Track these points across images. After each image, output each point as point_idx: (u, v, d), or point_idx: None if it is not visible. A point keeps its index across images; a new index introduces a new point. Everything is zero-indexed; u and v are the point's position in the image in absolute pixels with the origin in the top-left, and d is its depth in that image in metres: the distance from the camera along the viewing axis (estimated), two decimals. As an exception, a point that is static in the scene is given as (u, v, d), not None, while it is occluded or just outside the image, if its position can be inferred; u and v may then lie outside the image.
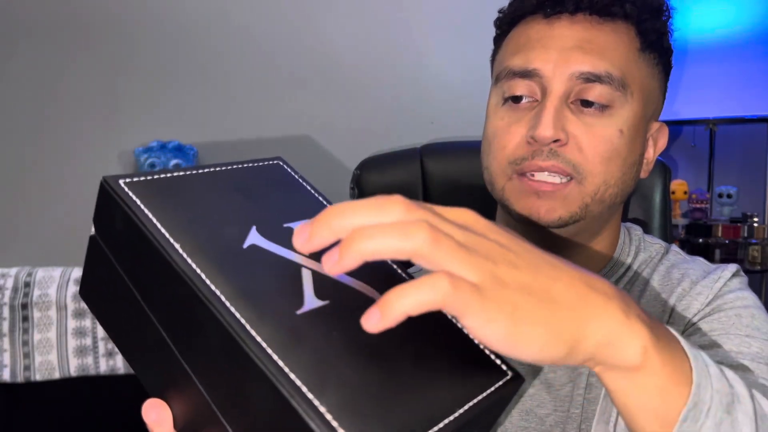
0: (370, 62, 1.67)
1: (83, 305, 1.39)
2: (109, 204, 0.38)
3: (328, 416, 0.29)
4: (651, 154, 0.66)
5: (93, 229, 0.41)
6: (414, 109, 1.66)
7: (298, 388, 0.30)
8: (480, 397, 0.34)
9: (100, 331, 1.42)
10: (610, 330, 0.34)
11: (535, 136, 0.58)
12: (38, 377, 1.40)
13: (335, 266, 0.30)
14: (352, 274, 0.37)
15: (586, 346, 0.33)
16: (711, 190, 2.16)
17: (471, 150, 0.96)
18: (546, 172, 0.59)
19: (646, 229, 0.74)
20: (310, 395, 0.30)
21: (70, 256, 1.39)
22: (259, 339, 0.32)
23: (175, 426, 0.38)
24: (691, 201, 2.12)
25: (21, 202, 1.60)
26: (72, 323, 1.41)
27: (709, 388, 0.37)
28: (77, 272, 1.43)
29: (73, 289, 1.41)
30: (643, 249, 0.69)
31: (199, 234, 0.36)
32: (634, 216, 0.91)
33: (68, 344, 1.41)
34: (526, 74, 0.60)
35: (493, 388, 0.35)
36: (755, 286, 2.03)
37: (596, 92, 0.58)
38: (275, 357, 0.31)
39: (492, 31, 0.69)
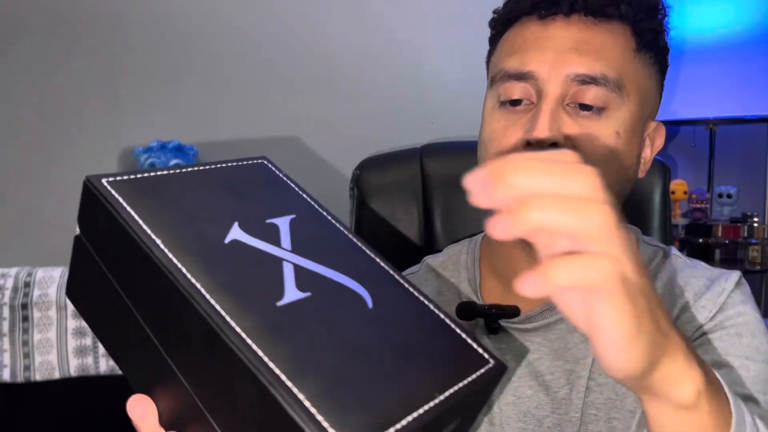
0: (370, 62, 1.67)
1: (83, 305, 1.39)
2: (92, 203, 0.38)
3: (307, 404, 0.30)
4: (648, 153, 0.66)
5: (78, 229, 0.41)
6: (414, 109, 1.66)
7: (278, 377, 0.31)
8: (461, 384, 0.34)
9: (100, 331, 1.42)
10: (676, 367, 0.36)
11: (531, 138, 0.57)
12: (38, 377, 1.40)
13: (503, 232, 0.30)
14: (334, 266, 0.38)
15: (654, 374, 0.35)
16: (711, 190, 2.16)
17: (471, 150, 0.96)
18: None
19: (645, 232, 0.74)
20: (289, 383, 0.31)
21: (69, 256, 1.39)
22: (239, 330, 0.32)
23: (161, 421, 0.38)
24: (691, 201, 2.12)
25: (21, 202, 1.60)
26: (72, 323, 1.41)
27: None
28: (77, 272, 1.43)
29: (73, 289, 1.41)
30: (641, 252, 0.68)
31: (181, 230, 0.37)
32: (634, 217, 0.91)
33: (68, 344, 1.41)
34: (522, 76, 0.60)
35: (475, 375, 0.35)
36: (755, 286, 2.03)
37: (592, 94, 0.58)
38: (255, 347, 0.32)
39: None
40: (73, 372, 1.41)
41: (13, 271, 1.42)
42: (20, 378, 1.39)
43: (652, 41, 0.62)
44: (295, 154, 1.68)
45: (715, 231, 2.02)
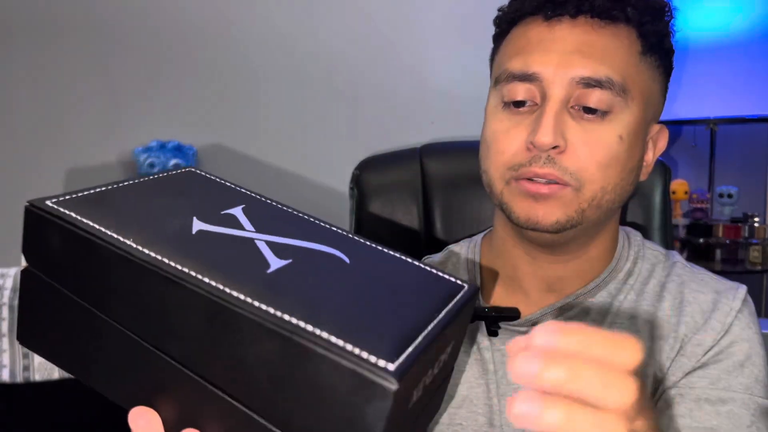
0: (370, 62, 1.66)
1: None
2: (42, 227, 0.37)
3: (334, 339, 0.31)
4: (650, 156, 0.65)
5: (23, 262, 0.40)
6: (414, 109, 1.66)
7: (296, 325, 0.31)
8: (450, 306, 0.37)
9: (100, 332, 1.42)
10: None
11: (534, 142, 0.57)
12: (38, 377, 1.39)
13: (530, 421, 0.32)
14: (301, 238, 0.40)
15: None
16: (711, 190, 2.15)
17: (471, 150, 0.96)
18: (543, 179, 0.58)
19: (645, 233, 0.74)
20: (310, 327, 0.31)
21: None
22: (242, 296, 0.33)
23: (167, 427, 0.37)
24: (692, 201, 2.11)
25: (21, 202, 1.60)
26: (71, 323, 1.41)
27: None
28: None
29: (72, 289, 1.40)
30: (642, 256, 0.68)
31: (146, 229, 0.37)
32: (635, 217, 0.91)
33: (68, 344, 1.40)
34: (526, 78, 0.59)
35: (457, 298, 0.38)
36: (756, 287, 2.03)
37: (596, 97, 0.58)
38: (263, 306, 0.32)
39: (492, 31, 0.68)
40: (73, 372, 1.40)
41: (12, 271, 1.42)
42: (20, 378, 1.39)
43: (657, 44, 0.62)
44: (294, 154, 1.68)
45: (715, 231, 2.02)
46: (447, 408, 0.65)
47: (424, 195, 0.96)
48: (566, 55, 0.58)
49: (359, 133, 1.66)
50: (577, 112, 0.59)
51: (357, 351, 0.30)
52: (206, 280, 0.33)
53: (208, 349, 0.34)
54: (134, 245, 0.35)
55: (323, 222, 0.44)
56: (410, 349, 0.32)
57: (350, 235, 0.42)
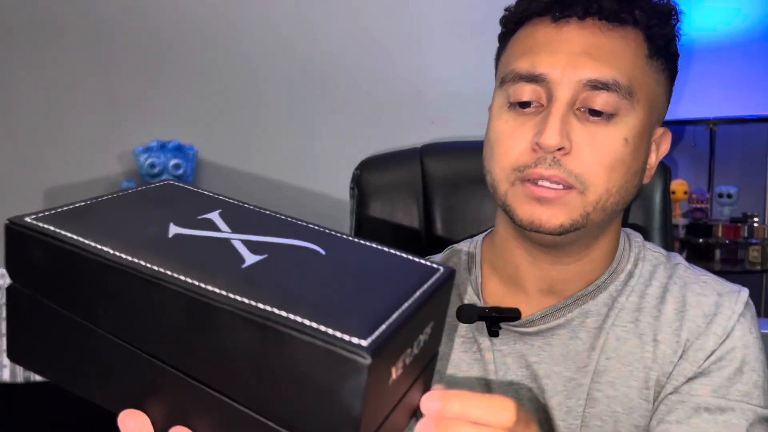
0: (371, 62, 1.67)
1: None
2: (23, 242, 0.38)
3: (308, 322, 0.31)
4: (653, 159, 0.65)
5: (7, 279, 0.41)
6: (414, 109, 1.66)
7: (271, 312, 0.32)
8: (425, 287, 0.38)
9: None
10: None
11: (540, 143, 0.57)
12: (38, 377, 1.39)
13: None
14: (277, 235, 0.41)
15: None
16: (711, 190, 2.16)
17: (471, 150, 0.96)
18: (548, 181, 0.58)
19: (645, 233, 0.74)
20: (284, 313, 0.32)
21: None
22: (216, 290, 0.33)
23: (156, 429, 0.37)
24: (692, 201, 2.12)
25: (21, 202, 1.60)
26: (72, 323, 1.41)
27: None
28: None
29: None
30: (643, 257, 0.68)
31: (124, 236, 0.38)
32: (635, 218, 0.91)
33: (68, 344, 1.40)
34: (533, 78, 0.59)
35: (432, 279, 0.39)
36: (755, 286, 2.03)
37: (603, 100, 0.57)
38: (238, 297, 0.33)
39: (492, 31, 0.68)
40: (73, 372, 1.40)
41: (12, 271, 1.42)
42: (20, 378, 1.39)
43: (663, 47, 0.62)
44: (294, 154, 1.68)
45: (715, 231, 2.03)
46: None
47: (425, 195, 0.96)
48: (574, 56, 0.58)
49: (359, 133, 1.66)
50: (583, 114, 0.58)
51: (331, 331, 0.31)
52: (182, 277, 0.34)
53: (190, 346, 0.35)
54: (112, 251, 0.36)
55: (302, 221, 0.44)
56: (384, 326, 0.32)
57: (328, 231, 0.43)
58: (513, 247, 0.66)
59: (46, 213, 0.40)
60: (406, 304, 0.35)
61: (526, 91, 0.60)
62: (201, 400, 0.35)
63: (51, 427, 1.47)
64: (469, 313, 0.65)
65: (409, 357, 0.36)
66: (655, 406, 0.61)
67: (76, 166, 1.61)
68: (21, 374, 1.39)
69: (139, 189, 0.46)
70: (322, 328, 0.31)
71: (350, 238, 0.43)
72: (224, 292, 0.33)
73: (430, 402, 0.39)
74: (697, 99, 1.96)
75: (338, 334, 0.31)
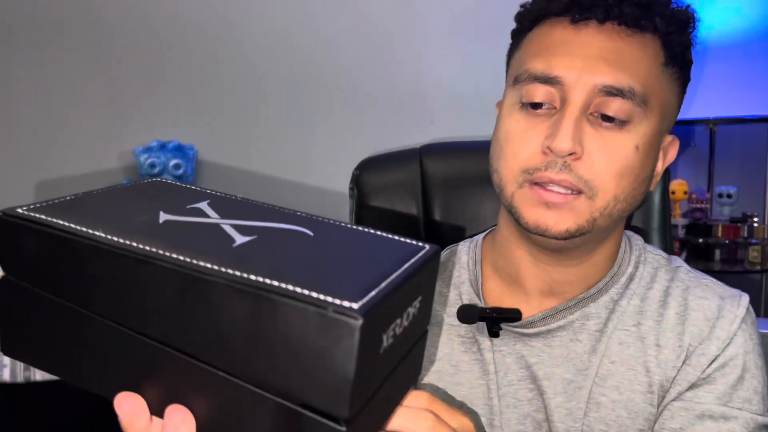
0: (370, 62, 1.67)
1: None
2: (16, 233, 0.39)
3: (299, 290, 0.32)
4: (660, 166, 0.65)
5: (0, 271, 0.41)
6: (414, 109, 1.66)
7: (262, 282, 0.33)
8: (411, 261, 0.39)
9: (100, 331, 1.42)
10: None
11: (552, 147, 0.56)
12: (38, 377, 1.40)
13: None
14: (266, 220, 0.42)
15: None
16: (711, 190, 2.16)
17: (471, 150, 0.96)
18: (557, 186, 0.58)
19: (645, 233, 0.74)
20: (275, 283, 0.32)
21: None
22: (209, 265, 0.34)
23: (152, 410, 0.38)
24: (691, 201, 2.12)
25: (21, 202, 1.60)
26: (72, 323, 1.41)
27: None
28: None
29: (72, 289, 1.40)
30: (644, 260, 0.68)
31: (115, 223, 0.38)
32: (634, 218, 0.91)
33: (68, 344, 1.40)
34: (547, 80, 0.58)
35: (418, 255, 0.40)
36: (755, 286, 2.03)
37: (617, 106, 0.57)
38: (230, 270, 0.33)
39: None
40: (73, 372, 1.40)
41: (12, 271, 1.42)
42: (20, 378, 1.39)
43: (679, 55, 0.61)
44: (294, 154, 1.68)
45: (715, 231, 2.02)
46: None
47: (424, 195, 0.96)
48: (590, 60, 0.57)
49: (359, 133, 1.66)
50: (596, 119, 0.58)
51: (322, 297, 0.32)
52: (174, 255, 0.35)
53: (184, 323, 0.35)
54: (104, 235, 0.36)
55: (290, 210, 0.45)
56: (373, 292, 0.33)
57: (315, 217, 0.44)
58: (515, 248, 0.66)
59: (39, 205, 0.40)
60: (394, 275, 0.36)
61: (540, 92, 0.59)
62: (196, 376, 0.36)
63: (51, 427, 1.47)
64: (469, 314, 0.65)
65: (399, 327, 0.37)
66: (659, 412, 0.61)
67: (77, 165, 1.61)
68: (21, 374, 1.39)
69: (129, 184, 0.47)
70: (314, 294, 0.32)
71: (337, 222, 0.44)
72: (216, 267, 0.34)
73: None
74: (697, 99, 1.96)
75: (329, 298, 0.32)
